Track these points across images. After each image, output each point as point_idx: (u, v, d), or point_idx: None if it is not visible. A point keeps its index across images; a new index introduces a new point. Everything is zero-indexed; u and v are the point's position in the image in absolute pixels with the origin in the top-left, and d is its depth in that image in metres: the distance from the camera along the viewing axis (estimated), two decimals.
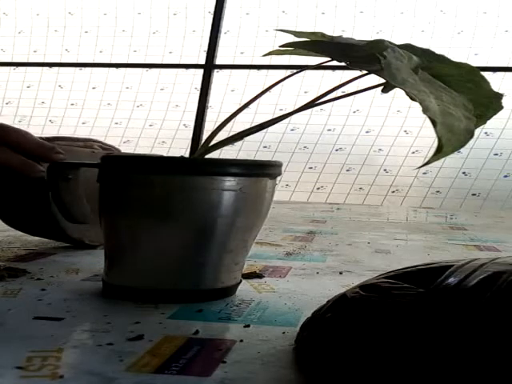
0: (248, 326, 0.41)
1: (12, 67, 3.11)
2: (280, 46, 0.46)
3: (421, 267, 0.38)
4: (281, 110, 2.65)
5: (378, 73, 0.41)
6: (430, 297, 0.32)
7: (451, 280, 0.33)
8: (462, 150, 0.37)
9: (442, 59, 0.45)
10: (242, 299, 0.48)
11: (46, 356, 0.33)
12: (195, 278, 0.47)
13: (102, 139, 0.78)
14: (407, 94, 0.37)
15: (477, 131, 0.39)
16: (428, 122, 0.35)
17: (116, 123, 2.92)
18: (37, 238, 0.78)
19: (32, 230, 0.74)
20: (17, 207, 0.69)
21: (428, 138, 2.37)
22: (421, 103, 0.36)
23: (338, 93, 0.47)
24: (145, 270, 0.47)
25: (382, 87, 0.43)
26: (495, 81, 2.53)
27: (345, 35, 0.45)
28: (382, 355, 0.30)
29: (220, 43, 2.96)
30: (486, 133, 2.59)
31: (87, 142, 0.72)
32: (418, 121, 2.57)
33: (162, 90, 3.02)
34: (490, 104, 0.44)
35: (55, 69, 3.15)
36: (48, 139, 0.70)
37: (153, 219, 0.46)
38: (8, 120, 2.04)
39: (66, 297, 0.47)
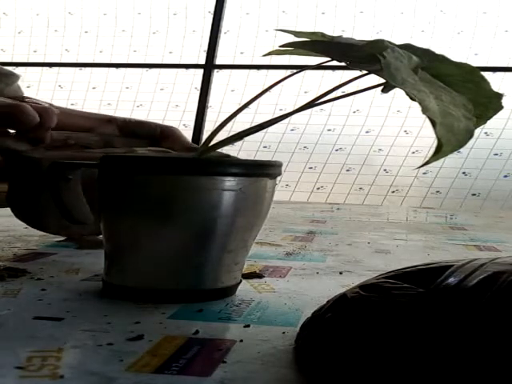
0: (248, 326, 0.41)
1: (12, 67, 3.11)
2: (280, 46, 0.46)
3: (421, 267, 0.38)
4: (281, 110, 2.65)
5: (378, 73, 0.41)
6: (430, 297, 0.32)
7: (451, 280, 0.33)
8: (461, 149, 0.37)
9: (442, 59, 0.45)
10: (242, 299, 0.48)
11: (45, 356, 0.33)
12: (195, 278, 0.47)
13: None
14: (407, 93, 0.37)
15: (477, 131, 0.39)
16: (428, 122, 0.35)
17: None
18: (35, 238, 0.78)
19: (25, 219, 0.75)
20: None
21: (428, 138, 2.37)
22: (420, 103, 0.36)
23: (338, 93, 0.47)
24: (145, 270, 0.47)
25: (382, 87, 0.43)
26: (495, 81, 2.53)
27: (345, 35, 0.45)
28: (381, 355, 0.30)
29: (220, 43, 2.97)
30: (486, 133, 2.59)
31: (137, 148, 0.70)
32: (418, 121, 2.57)
33: (161, 90, 3.03)
34: (489, 104, 0.44)
35: (55, 69, 3.15)
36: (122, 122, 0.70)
37: (153, 219, 0.46)
38: None
39: (66, 297, 0.47)
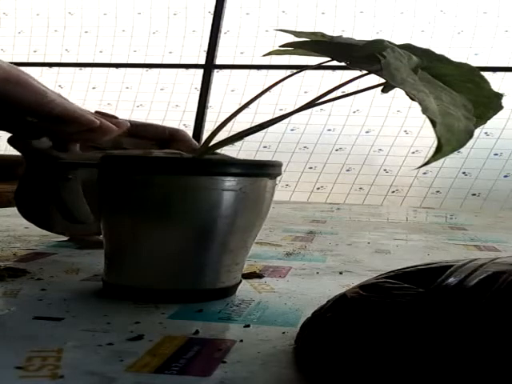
0: (248, 325, 0.41)
1: None
2: (280, 46, 0.46)
3: (421, 267, 0.38)
4: (281, 109, 2.65)
5: (378, 73, 0.41)
6: (430, 297, 0.32)
7: (451, 280, 0.33)
8: (461, 149, 0.37)
9: (442, 59, 0.45)
10: (242, 299, 0.48)
11: (45, 356, 0.33)
12: (195, 278, 0.47)
13: None
14: (407, 93, 0.37)
15: (477, 131, 0.39)
16: (428, 122, 0.35)
17: None
18: (35, 238, 0.78)
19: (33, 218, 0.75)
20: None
21: (428, 138, 2.37)
22: (420, 103, 0.36)
23: (338, 93, 0.47)
24: (145, 270, 0.47)
25: (382, 87, 0.43)
26: (495, 81, 2.53)
27: (345, 35, 0.45)
28: (381, 355, 0.30)
29: (220, 43, 2.97)
30: (486, 133, 2.60)
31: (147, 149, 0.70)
32: (418, 121, 2.57)
33: (162, 90, 3.03)
34: (489, 104, 0.44)
35: (55, 69, 3.15)
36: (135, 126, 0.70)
37: (153, 219, 0.46)
38: None
39: (66, 297, 0.47)
